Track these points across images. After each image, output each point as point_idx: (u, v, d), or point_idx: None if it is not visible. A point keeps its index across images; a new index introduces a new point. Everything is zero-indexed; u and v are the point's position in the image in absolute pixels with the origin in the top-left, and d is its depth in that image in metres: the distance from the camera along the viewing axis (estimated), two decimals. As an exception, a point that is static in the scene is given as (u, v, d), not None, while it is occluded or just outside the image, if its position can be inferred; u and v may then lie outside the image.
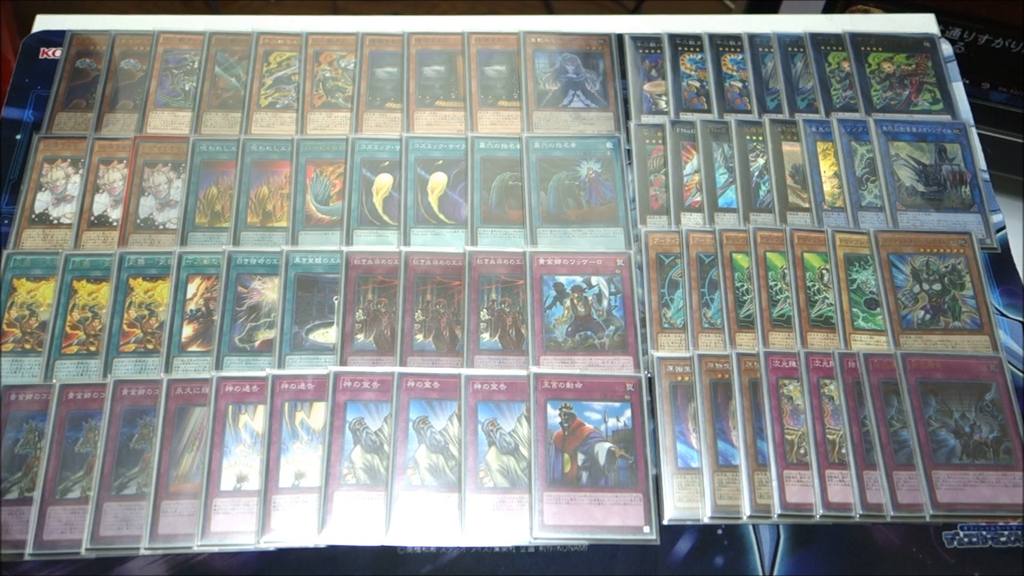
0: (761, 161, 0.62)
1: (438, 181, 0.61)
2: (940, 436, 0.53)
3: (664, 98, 0.65)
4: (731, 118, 0.64)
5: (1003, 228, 0.60)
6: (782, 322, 0.56)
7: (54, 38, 0.67)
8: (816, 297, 0.57)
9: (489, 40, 0.67)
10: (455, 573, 0.49)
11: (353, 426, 0.52)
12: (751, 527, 0.51)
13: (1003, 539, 0.51)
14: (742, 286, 0.58)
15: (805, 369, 0.55)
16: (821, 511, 0.51)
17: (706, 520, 0.51)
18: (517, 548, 0.50)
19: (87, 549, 0.49)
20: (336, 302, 0.56)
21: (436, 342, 0.56)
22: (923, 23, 0.70)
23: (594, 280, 0.58)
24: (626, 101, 0.65)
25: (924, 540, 0.50)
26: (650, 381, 0.54)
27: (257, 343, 0.55)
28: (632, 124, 0.64)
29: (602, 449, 0.52)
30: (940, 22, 0.70)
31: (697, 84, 0.66)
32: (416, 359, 0.55)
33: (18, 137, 0.62)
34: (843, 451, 0.52)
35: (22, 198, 0.60)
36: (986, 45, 0.76)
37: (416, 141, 0.63)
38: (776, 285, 0.58)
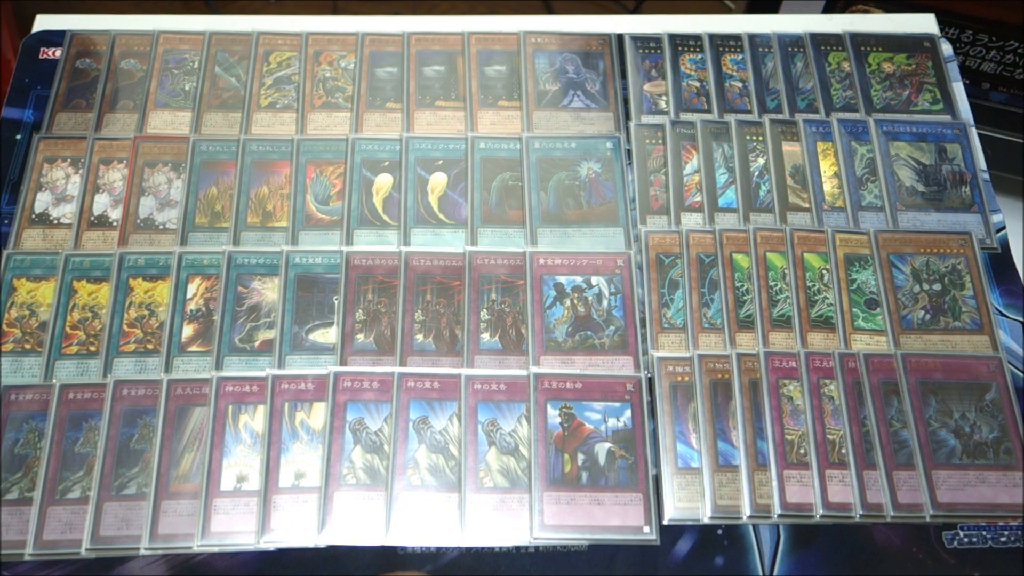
0: (761, 161, 0.62)
1: (438, 181, 0.61)
2: (940, 436, 0.53)
3: (664, 98, 0.65)
4: (731, 118, 0.64)
5: (1003, 228, 0.60)
6: (782, 322, 0.56)
7: (54, 38, 0.67)
8: (816, 297, 0.57)
9: (489, 40, 0.67)
10: (455, 573, 0.49)
11: (353, 426, 0.52)
12: (751, 527, 0.51)
13: (1003, 539, 0.51)
14: (742, 286, 0.58)
15: (805, 369, 0.55)
16: (821, 511, 0.51)
17: (706, 520, 0.51)
18: (517, 548, 0.50)
19: (87, 549, 0.49)
20: (336, 302, 0.56)
21: (436, 342, 0.56)
22: (923, 23, 0.70)
23: (594, 280, 0.58)
24: (626, 101, 0.65)
25: (924, 540, 0.50)
26: (650, 381, 0.54)
27: (257, 343, 0.55)
28: (632, 124, 0.64)
29: (602, 449, 0.52)
30: (940, 22, 0.70)
31: (697, 84, 0.66)
32: (416, 359, 0.55)
33: (18, 137, 0.62)
34: (843, 451, 0.52)
35: (22, 198, 0.60)
36: (986, 45, 0.76)
37: (416, 141, 0.62)
38: (776, 285, 0.58)
